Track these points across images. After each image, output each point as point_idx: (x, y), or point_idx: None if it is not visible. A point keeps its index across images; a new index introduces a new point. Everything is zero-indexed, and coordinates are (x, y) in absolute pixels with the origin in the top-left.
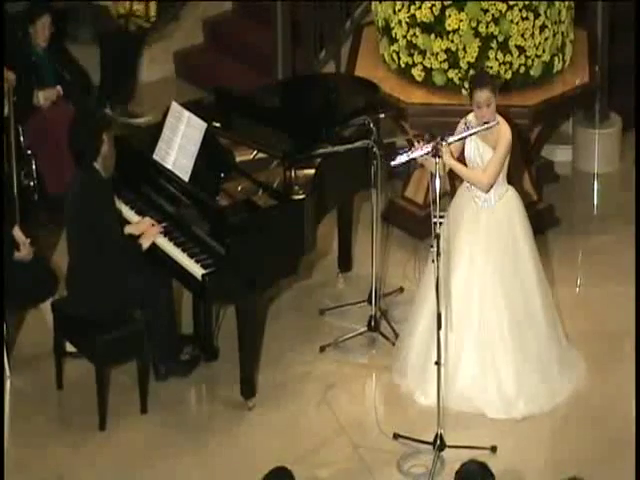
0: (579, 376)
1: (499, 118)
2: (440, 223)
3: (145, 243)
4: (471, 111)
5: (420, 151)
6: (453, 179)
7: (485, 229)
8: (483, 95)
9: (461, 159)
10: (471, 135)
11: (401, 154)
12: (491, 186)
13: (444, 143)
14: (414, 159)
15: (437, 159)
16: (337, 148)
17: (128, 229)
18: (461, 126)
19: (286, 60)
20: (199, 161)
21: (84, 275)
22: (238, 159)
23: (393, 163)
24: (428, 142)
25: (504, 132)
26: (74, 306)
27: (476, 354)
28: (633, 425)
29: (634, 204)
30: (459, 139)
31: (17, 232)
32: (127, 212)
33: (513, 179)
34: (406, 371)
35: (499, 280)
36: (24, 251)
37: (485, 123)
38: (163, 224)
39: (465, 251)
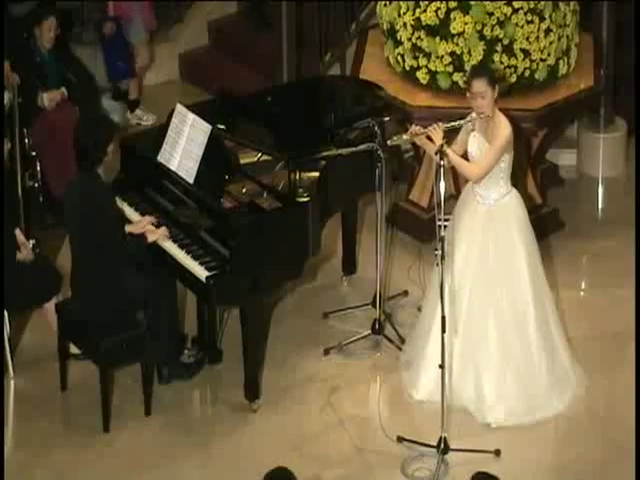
0: (573, 397)
1: (502, 117)
2: (445, 226)
3: (150, 237)
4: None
5: (415, 133)
6: (458, 181)
7: (483, 229)
8: (476, 85)
9: (465, 156)
10: (462, 124)
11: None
12: (481, 178)
13: (440, 125)
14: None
15: (442, 162)
16: (342, 151)
17: (128, 228)
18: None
19: (291, 62)
20: (204, 163)
21: (86, 275)
22: (243, 161)
23: (389, 142)
24: (423, 127)
25: (503, 129)
26: (78, 307)
27: (460, 355)
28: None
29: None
30: (451, 126)
31: (18, 234)
32: (131, 214)
33: (518, 183)
34: (409, 365)
35: (490, 284)
36: (24, 252)
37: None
38: (164, 223)
39: (462, 249)
